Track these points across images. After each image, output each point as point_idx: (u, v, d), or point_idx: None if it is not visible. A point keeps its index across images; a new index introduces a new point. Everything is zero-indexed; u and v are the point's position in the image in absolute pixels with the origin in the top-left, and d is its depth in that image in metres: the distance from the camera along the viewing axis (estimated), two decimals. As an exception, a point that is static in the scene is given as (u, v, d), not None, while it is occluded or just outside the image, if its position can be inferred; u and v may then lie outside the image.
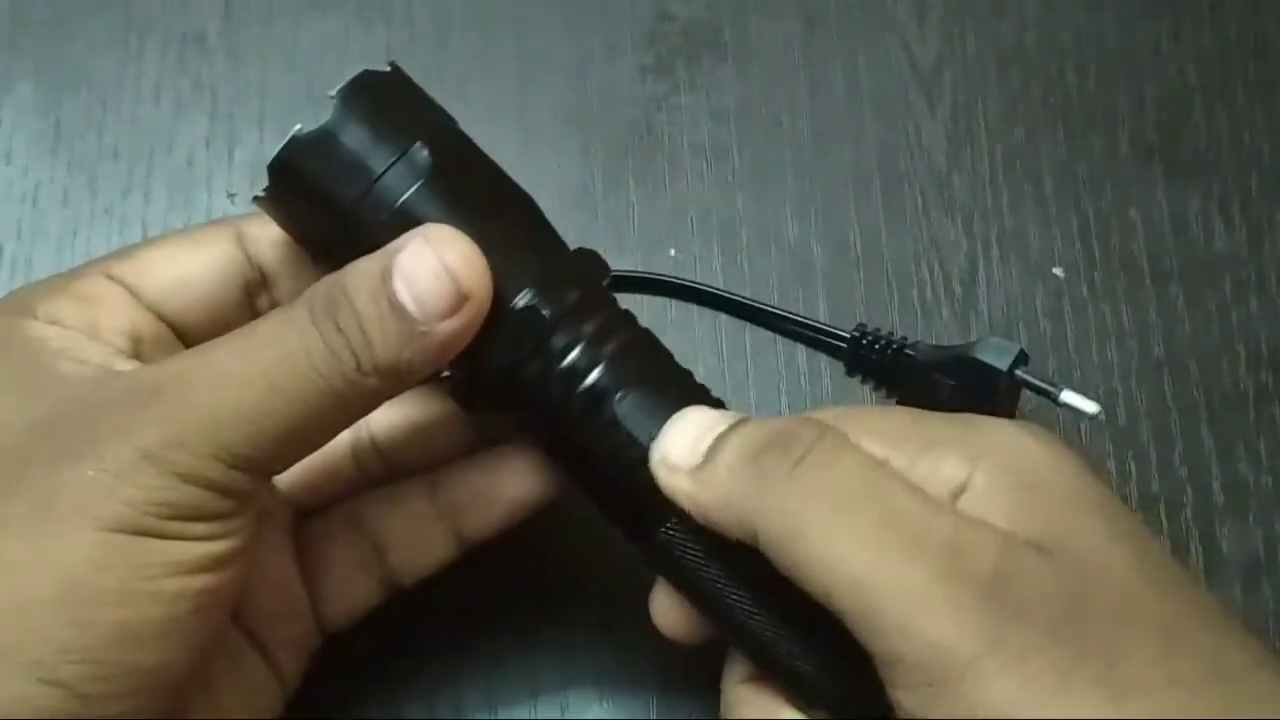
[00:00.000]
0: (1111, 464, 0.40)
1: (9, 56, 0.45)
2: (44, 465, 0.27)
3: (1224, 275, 0.42)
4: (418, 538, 0.33)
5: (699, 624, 0.31)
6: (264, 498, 0.30)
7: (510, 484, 0.33)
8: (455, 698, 0.37)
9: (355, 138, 0.29)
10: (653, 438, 0.29)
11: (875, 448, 0.29)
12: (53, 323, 0.30)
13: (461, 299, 0.28)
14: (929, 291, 0.42)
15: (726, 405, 0.31)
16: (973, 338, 0.41)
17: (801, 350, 0.41)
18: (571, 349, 0.29)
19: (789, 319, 0.41)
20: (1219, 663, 0.26)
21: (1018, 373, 0.36)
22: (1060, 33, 0.46)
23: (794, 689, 0.30)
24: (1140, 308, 0.42)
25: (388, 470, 0.34)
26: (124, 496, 0.27)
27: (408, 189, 0.29)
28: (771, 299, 0.42)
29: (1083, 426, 0.40)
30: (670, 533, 0.29)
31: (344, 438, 0.34)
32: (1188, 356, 0.41)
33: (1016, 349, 0.37)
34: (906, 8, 0.46)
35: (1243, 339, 0.42)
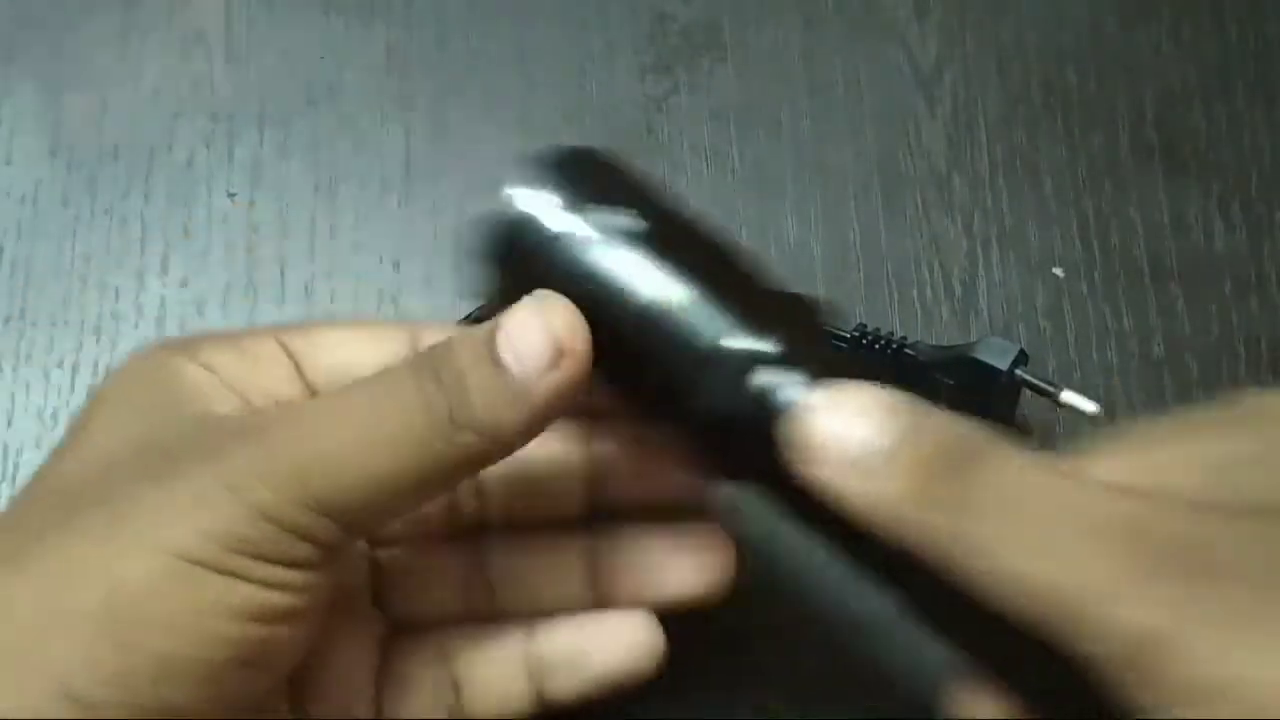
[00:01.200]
0: (1111, 464, 0.40)
1: (9, 56, 0.45)
2: (131, 483, 0.27)
3: (1224, 275, 0.42)
4: (499, 684, 0.32)
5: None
6: (344, 568, 0.29)
7: (606, 652, 0.32)
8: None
9: (561, 214, 0.29)
10: None
11: (1136, 459, 0.27)
12: (206, 367, 0.30)
13: (559, 355, 0.27)
14: (929, 291, 0.42)
15: None
16: (973, 338, 0.41)
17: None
18: (783, 389, 0.28)
19: (789, 319, 0.41)
20: None
21: (1018, 372, 0.36)
22: (1060, 33, 0.46)
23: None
24: (1140, 308, 0.42)
25: (494, 608, 0.33)
26: (197, 523, 0.26)
27: (614, 247, 0.29)
28: (771, 299, 0.42)
29: (1083, 427, 0.40)
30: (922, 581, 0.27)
31: (459, 562, 0.33)
32: (1188, 356, 0.41)
33: (1016, 349, 0.37)
34: (906, 8, 0.46)
35: (1243, 339, 0.42)
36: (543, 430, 0.28)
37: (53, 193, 0.43)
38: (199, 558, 0.26)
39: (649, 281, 0.29)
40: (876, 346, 0.40)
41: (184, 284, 0.42)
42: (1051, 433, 0.39)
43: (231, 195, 0.43)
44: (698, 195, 0.43)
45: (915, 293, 0.42)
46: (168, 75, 0.44)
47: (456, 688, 0.32)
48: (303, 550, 0.27)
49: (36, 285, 0.42)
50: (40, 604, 0.26)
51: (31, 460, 0.40)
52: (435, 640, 0.33)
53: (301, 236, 0.43)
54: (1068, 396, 0.36)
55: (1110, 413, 0.40)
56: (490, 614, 0.33)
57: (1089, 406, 0.36)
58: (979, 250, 0.43)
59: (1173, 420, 0.28)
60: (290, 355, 0.31)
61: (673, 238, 0.30)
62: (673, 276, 0.29)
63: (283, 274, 0.42)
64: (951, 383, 0.38)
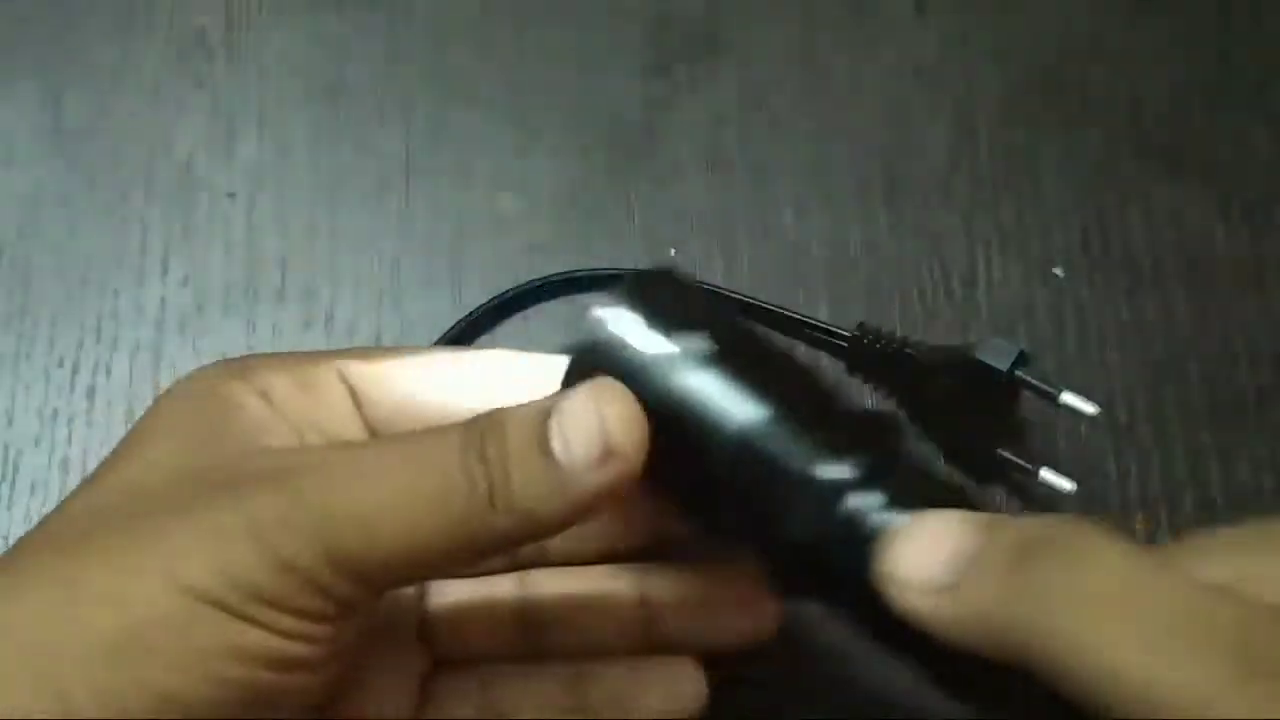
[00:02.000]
0: (1111, 464, 0.40)
1: (10, 54, 0.45)
2: (159, 512, 0.27)
3: (1225, 276, 0.42)
4: None
5: None
6: (366, 619, 0.29)
7: (653, 697, 0.32)
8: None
9: (641, 337, 0.29)
10: None
11: (1220, 561, 0.26)
12: (262, 395, 0.29)
13: (608, 454, 0.27)
14: (929, 291, 0.42)
15: None
16: (973, 338, 0.41)
17: (802, 350, 0.41)
18: (869, 511, 0.28)
19: (790, 318, 0.41)
20: None
21: (1018, 373, 0.36)
22: (1060, 33, 0.46)
23: None
24: (1140, 308, 0.42)
25: (538, 647, 0.33)
26: (216, 564, 0.26)
27: (701, 371, 0.29)
28: (771, 299, 0.42)
29: (1083, 427, 0.40)
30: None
31: (510, 595, 0.32)
32: (1188, 357, 0.41)
33: (1017, 349, 0.37)
34: (906, 7, 0.46)
35: (1243, 339, 0.42)
36: (585, 519, 0.28)
37: (53, 192, 0.43)
38: (213, 598, 0.26)
39: (736, 407, 0.28)
40: (877, 346, 0.40)
41: (184, 284, 0.42)
42: (1052, 433, 0.39)
43: (231, 195, 0.43)
44: (698, 195, 0.43)
45: (915, 293, 0.42)
46: (168, 75, 0.44)
47: None
48: (321, 604, 0.27)
49: (36, 285, 0.42)
50: (50, 620, 0.26)
51: (31, 460, 0.40)
52: (480, 678, 0.32)
53: (301, 236, 0.43)
54: (1067, 398, 0.36)
55: (1110, 414, 0.40)
56: (537, 652, 0.33)
57: (1089, 408, 0.36)
58: (979, 250, 0.43)
59: (1262, 527, 0.27)
60: (351, 386, 0.31)
61: (754, 360, 0.30)
62: (759, 401, 0.29)
63: (283, 274, 0.42)
64: (952, 383, 0.38)
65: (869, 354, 0.40)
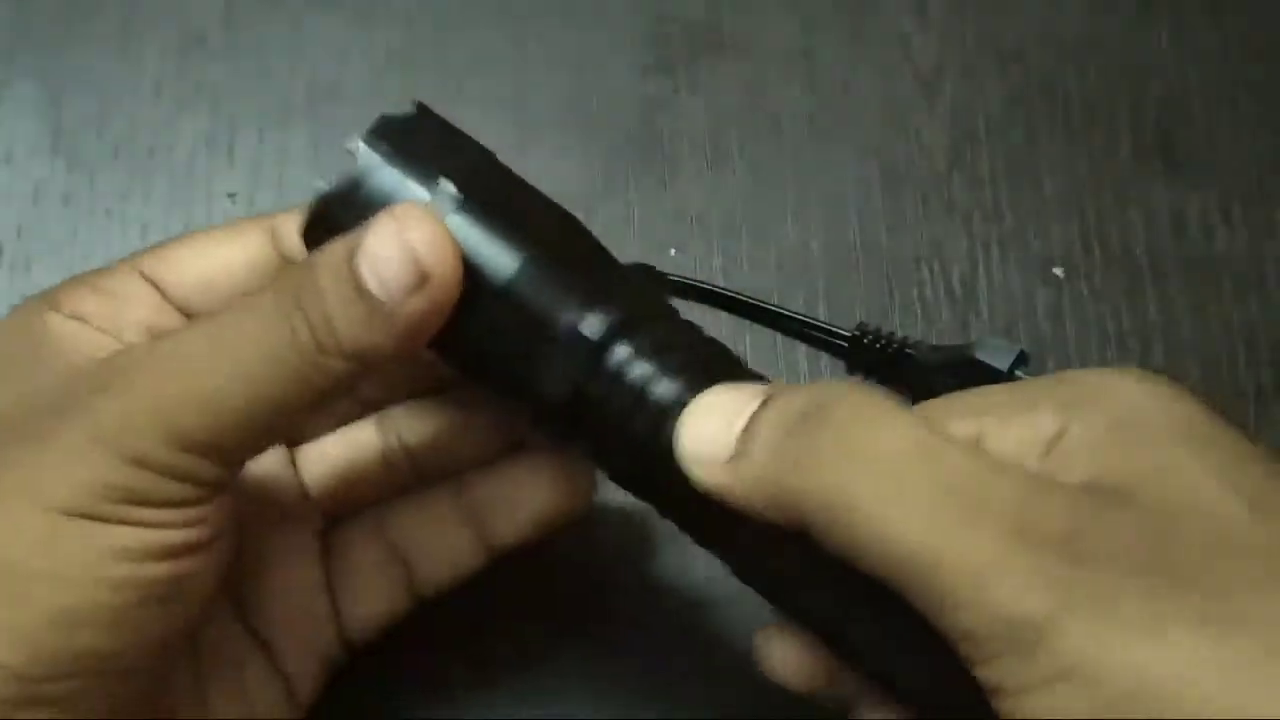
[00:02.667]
0: (1111, 464, 0.40)
1: (10, 55, 0.45)
2: (6, 447, 0.27)
3: (1224, 275, 0.43)
4: (442, 545, 0.33)
5: (815, 667, 0.29)
6: (261, 484, 0.30)
7: (536, 492, 0.32)
8: (450, 700, 0.37)
9: (383, 181, 0.29)
10: None
11: (966, 421, 0.27)
12: (74, 316, 0.30)
13: (423, 277, 0.27)
14: (929, 291, 0.42)
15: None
16: (973, 338, 0.41)
17: (802, 349, 0.41)
18: (633, 364, 0.28)
19: (790, 318, 0.41)
20: None
21: (1018, 373, 0.37)
22: (1060, 33, 0.46)
23: (913, 703, 0.28)
24: (1140, 308, 0.42)
25: (418, 475, 0.34)
26: (72, 478, 0.26)
27: (458, 216, 0.28)
28: (771, 299, 0.42)
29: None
30: (758, 546, 0.28)
31: (374, 441, 0.33)
32: (1188, 357, 0.41)
33: (1017, 349, 0.37)
34: (906, 8, 0.46)
35: (1243, 339, 0.42)
36: (419, 346, 0.28)
37: (53, 193, 0.43)
38: (80, 510, 0.26)
39: (491, 257, 0.28)
40: (878, 346, 0.40)
41: (184, 284, 0.42)
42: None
43: (232, 196, 0.43)
44: (698, 195, 0.43)
45: (915, 293, 0.42)
46: (168, 75, 0.44)
47: (405, 561, 0.33)
48: (184, 489, 0.27)
49: (37, 285, 0.42)
50: None
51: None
52: (372, 518, 0.33)
53: (302, 236, 0.43)
54: (1067, 397, 0.36)
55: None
56: (420, 482, 0.33)
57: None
58: (979, 250, 0.43)
59: (1005, 392, 0.28)
60: (153, 282, 0.31)
61: (511, 205, 0.29)
62: (515, 250, 0.28)
63: (283, 274, 0.42)
64: (952, 383, 0.38)
65: (869, 354, 0.40)
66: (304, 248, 0.29)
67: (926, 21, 0.46)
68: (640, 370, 0.28)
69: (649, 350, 0.28)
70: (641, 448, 0.28)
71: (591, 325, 0.28)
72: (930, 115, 0.45)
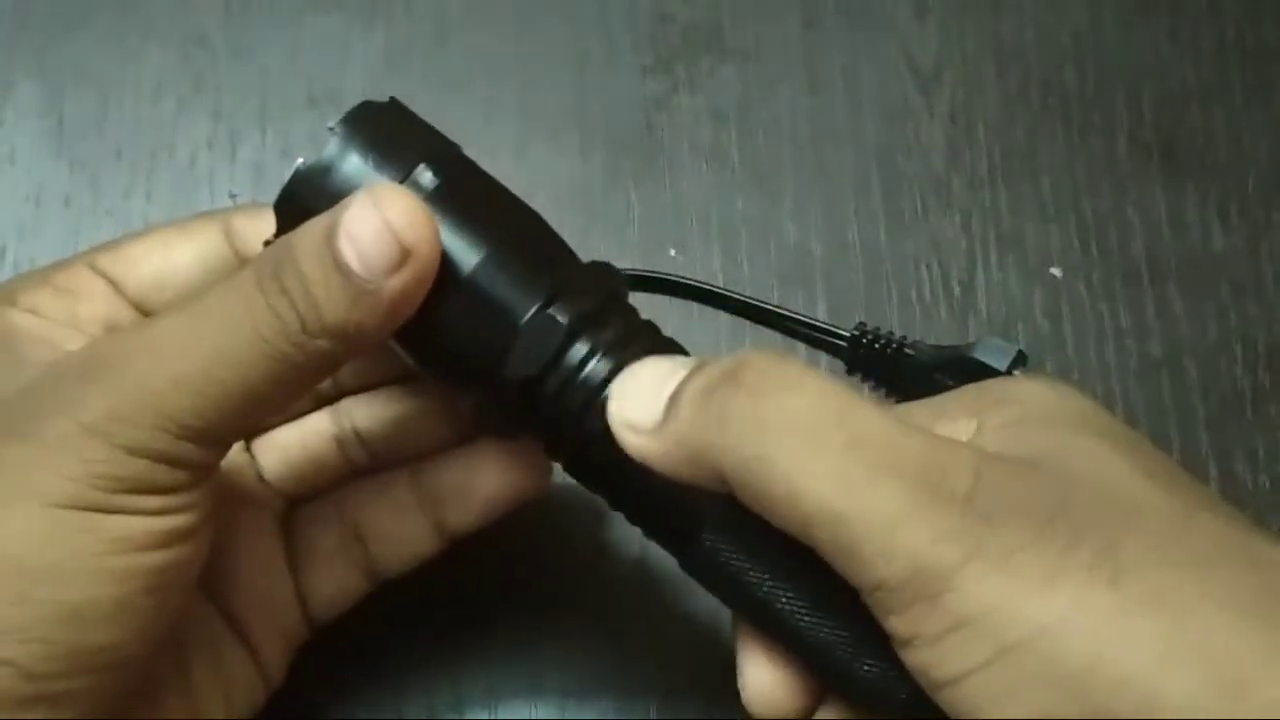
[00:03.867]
0: (1110, 464, 0.40)
1: (11, 56, 0.45)
2: None
3: (1222, 276, 0.43)
4: (400, 528, 0.33)
5: (792, 692, 0.29)
6: (223, 472, 0.30)
7: (490, 478, 0.33)
8: (455, 696, 0.37)
9: (356, 165, 0.29)
10: None
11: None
12: (31, 312, 0.30)
13: (405, 254, 0.27)
14: (929, 291, 0.42)
15: None
16: (972, 338, 0.41)
17: (802, 349, 0.42)
18: (590, 359, 0.29)
19: (789, 318, 0.41)
20: (1224, 543, 0.25)
21: (1016, 373, 0.37)
22: (1060, 33, 0.46)
23: (859, 698, 0.28)
24: (1138, 308, 0.42)
25: (373, 462, 0.34)
26: (67, 471, 0.26)
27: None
28: (771, 299, 0.42)
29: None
30: (712, 538, 0.28)
31: (328, 428, 0.34)
32: (1185, 357, 0.42)
33: (1015, 349, 0.37)
34: (906, 8, 0.46)
35: (1240, 339, 0.42)
36: (401, 320, 0.28)
37: (55, 193, 0.43)
38: (78, 503, 0.26)
39: (457, 246, 0.29)
40: (876, 346, 0.40)
41: (186, 284, 0.42)
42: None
43: (233, 196, 0.43)
44: (698, 195, 0.43)
45: (915, 293, 0.42)
46: (169, 75, 0.45)
47: (362, 541, 0.33)
48: (177, 474, 0.27)
49: (39, 285, 0.42)
50: None
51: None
52: (331, 503, 0.34)
53: (303, 236, 0.43)
54: (1066, 397, 0.36)
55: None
56: (374, 468, 0.34)
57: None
58: (978, 250, 0.43)
59: (923, 406, 0.29)
60: (106, 278, 0.31)
61: (477, 197, 0.30)
62: (481, 240, 0.29)
63: (284, 274, 0.42)
64: (951, 383, 0.38)
65: (868, 354, 0.40)
66: (275, 216, 0.29)
67: (925, 22, 0.46)
68: (597, 364, 0.29)
69: (606, 345, 0.29)
70: (597, 439, 0.29)
71: (553, 318, 0.29)
72: (930, 115, 0.45)
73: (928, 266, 0.43)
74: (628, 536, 0.38)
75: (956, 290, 0.42)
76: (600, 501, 0.31)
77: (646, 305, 0.41)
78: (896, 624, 0.25)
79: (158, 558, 0.27)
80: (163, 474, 0.27)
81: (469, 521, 0.33)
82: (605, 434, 0.28)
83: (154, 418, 0.27)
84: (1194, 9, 0.46)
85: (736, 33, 0.46)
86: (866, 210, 0.43)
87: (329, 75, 0.45)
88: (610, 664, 0.37)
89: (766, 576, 0.28)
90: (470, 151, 0.45)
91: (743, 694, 0.29)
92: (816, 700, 0.29)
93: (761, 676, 0.29)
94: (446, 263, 0.28)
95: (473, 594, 0.37)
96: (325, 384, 0.34)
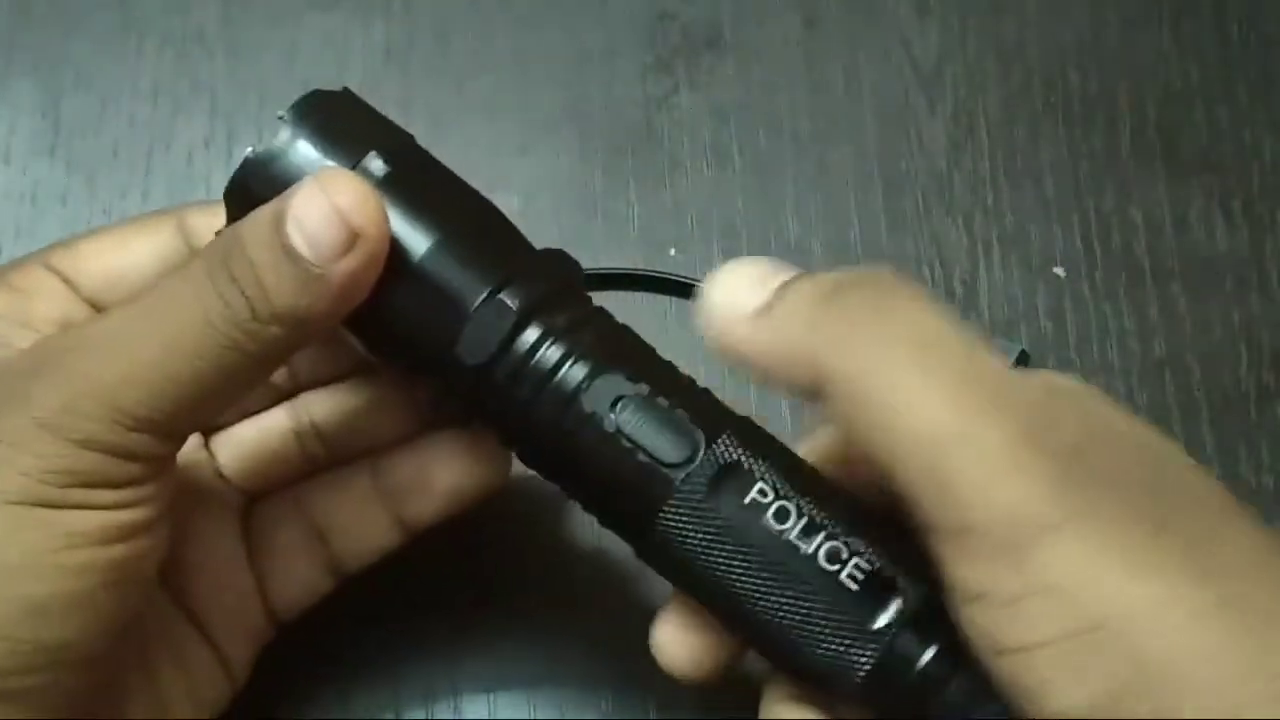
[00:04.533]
0: (1113, 464, 0.40)
1: (8, 55, 0.45)
2: None
3: (1225, 274, 0.42)
4: (359, 522, 0.33)
5: (705, 653, 0.30)
6: (181, 468, 0.30)
7: (448, 469, 0.33)
8: (455, 696, 0.37)
9: (306, 153, 0.29)
10: (634, 427, 0.28)
11: None
12: None
13: (353, 238, 0.27)
14: (929, 291, 0.42)
15: (716, 397, 0.30)
16: (974, 337, 0.41)
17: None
18: (542, 344, 0.29)
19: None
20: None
21: (1019, 372, 0.36)
22: (1060, 32, 0.46)
23: (814, 681, 0.28)
24: (1141, 307, 0.42)
25: (331, 456, 0.34)
26: (21, 467, 0.26)
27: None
28: (772, 299, 0.41)
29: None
30: (666, 523, 0.28)
31: (286, 424, 0.34)
32: (1189, 356, 0.41)
33: (1018, 349, 0.37)
34: (907, 7, 0.46)
35: (1244, 338, 0.42)
36: (351, 305, 0.28)
37: (51, 192, 0.43)
38: (33, 498, 0.26)
39: (409, 233, 0.29)
40: (877, 346, 0.40)
41: (183, 284, 0.42)
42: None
43: (231, 195, 0.43)
44: (698, 195, 0.43)
45: (916, 292, 0.42)
46: (166, 74, 0.44)
47: (323, 536, 0.33)
48: (132, 467, 0.27)
49: (35, 285, 0.42)
50: None
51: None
52: (291, 498, 0.34)
53: (301, 236, 0.43)
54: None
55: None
56: (333, 463, 0.34)
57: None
58: (980, 250, 0.43)
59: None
60: (61, 277, 0.31)
61: (428, 184, 0.30)
62: (432, 227, 0.29)
63: (282, 274, 0.42)
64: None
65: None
66: (225, 203, 0.29)
67: (927, 21, 0.46)
68: (550, 351, 0.29)
69: (559, 331, 0.29)
70: (550, 427, 0.29)
71: (504, 304, 0.29)
72: (930, 115, 0.44)
73: (929, 266, 0.42)
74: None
75: (959, 290, 0.42)
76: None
77: (646, 304, 0.41)
78: (969, 575, 0.23)
79: (115, 552, 0.27)
80: (117, 467, 0.27)
81: (429, 514, 0.33)
82: (558, 421, 0.28)
83: (107, 410, 0.27)
84: (1197, 6, 0.46)
85: (737, 32, 0.45)
86: (868, 210, 0.43)
87: (327, 74, 0.45)
88: (610, 664, 0.37)
89: (721, 561, 0.28)
90: (470, 151, 0.45)
91: (656, 652, 0.30)
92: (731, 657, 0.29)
93: (675, 635, 0.29)
94: (396, 250, 0.28)
95: (473, 594, 0.37)
96: (282, 379, 0.34)
